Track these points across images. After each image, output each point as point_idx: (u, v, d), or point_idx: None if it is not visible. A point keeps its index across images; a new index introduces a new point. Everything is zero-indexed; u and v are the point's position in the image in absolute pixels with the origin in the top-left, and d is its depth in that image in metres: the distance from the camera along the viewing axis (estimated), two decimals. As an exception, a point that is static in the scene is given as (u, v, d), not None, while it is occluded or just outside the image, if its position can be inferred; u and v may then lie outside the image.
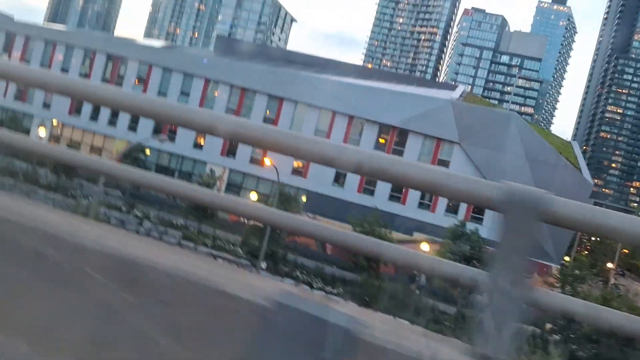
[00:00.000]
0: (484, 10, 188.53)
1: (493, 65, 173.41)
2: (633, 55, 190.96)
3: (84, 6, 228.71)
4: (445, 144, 48.94)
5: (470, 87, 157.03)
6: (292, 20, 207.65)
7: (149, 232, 44.33)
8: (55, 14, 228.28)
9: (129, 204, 46.61)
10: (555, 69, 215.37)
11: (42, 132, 51.88)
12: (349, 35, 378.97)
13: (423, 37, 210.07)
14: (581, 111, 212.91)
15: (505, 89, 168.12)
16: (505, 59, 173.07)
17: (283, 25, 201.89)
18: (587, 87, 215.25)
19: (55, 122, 58.01)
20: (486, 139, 46.76)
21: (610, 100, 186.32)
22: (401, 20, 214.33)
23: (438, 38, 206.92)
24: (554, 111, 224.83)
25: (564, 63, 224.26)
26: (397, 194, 49.10)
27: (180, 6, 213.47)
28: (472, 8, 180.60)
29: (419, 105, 49.08)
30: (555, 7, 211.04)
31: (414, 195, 48.38)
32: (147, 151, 52.95)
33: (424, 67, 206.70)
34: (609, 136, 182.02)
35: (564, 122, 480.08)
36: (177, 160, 54.99)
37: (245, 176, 53.49)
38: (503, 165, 45.11)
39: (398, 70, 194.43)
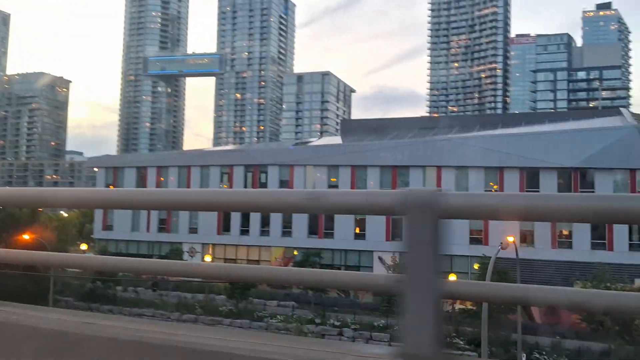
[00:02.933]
0: (534, 35, 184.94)
1: (571, 84, 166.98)
2: None
3: (151, 127, 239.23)
4: (640, 173, 44.07)
5: (553, 110, 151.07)
6: (351, 90, 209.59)
7: (353, 339, 40.79)
8: (126, 140, 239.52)
9: (320, 314, 43.47)
10: (621, 69, 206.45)
11: (207, 258, 50.19)
12: (403, 92, 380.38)
13: (483, 75, 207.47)
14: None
15: (590, 105, 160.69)
16: (582, 74, 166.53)
17: (344, 98, 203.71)
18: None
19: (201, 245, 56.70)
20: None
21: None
22: (456, 64, 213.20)
23: (499, 72, 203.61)
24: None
25: (626, 64, 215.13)
26: (600, 240, 44.01)
27: (242, 105, 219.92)
28: (537, 34, 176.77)
29: (597, 139, 44.78)
30: (601, 12, 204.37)
31: (620, 237, 43.21)
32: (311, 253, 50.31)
33: (492, 102, 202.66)
34: None
35: None
36: (340, 256, 52.01)
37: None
38: None
39: (466, 113, 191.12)
